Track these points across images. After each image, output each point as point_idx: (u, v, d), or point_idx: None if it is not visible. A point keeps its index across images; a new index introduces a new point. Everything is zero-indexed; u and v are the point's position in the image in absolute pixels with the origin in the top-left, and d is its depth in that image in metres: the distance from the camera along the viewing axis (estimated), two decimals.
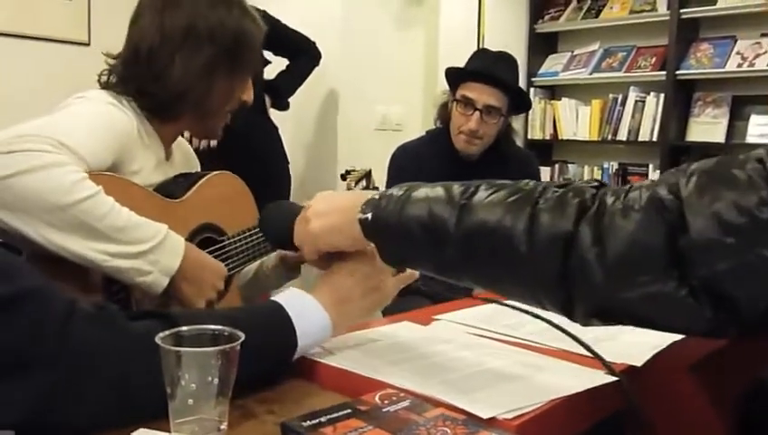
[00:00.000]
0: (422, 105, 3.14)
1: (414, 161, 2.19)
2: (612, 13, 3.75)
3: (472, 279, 0.79)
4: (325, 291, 0.91)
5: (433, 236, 0.78)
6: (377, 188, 1.82)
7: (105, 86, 1.28)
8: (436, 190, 0.81)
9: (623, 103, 3.67)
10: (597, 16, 3.80)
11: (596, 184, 0.73)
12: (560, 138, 3.91)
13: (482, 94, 2.09)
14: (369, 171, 1.77)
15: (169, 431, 0.68)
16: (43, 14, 3.15)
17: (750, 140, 3.32)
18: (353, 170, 1.72)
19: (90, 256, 1.00)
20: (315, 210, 0.92)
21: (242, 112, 1.42)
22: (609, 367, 0.85)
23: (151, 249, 1.04)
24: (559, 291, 0.70)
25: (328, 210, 0.92)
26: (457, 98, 2.12)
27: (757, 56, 3.29)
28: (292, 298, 0.89)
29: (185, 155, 1.51)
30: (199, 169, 1.58)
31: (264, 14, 2.81)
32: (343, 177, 1.72)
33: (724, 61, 3.36)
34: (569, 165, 3.94)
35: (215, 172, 1.39)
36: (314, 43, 2.89)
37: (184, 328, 0.71)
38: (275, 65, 2.84)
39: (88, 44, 3.28)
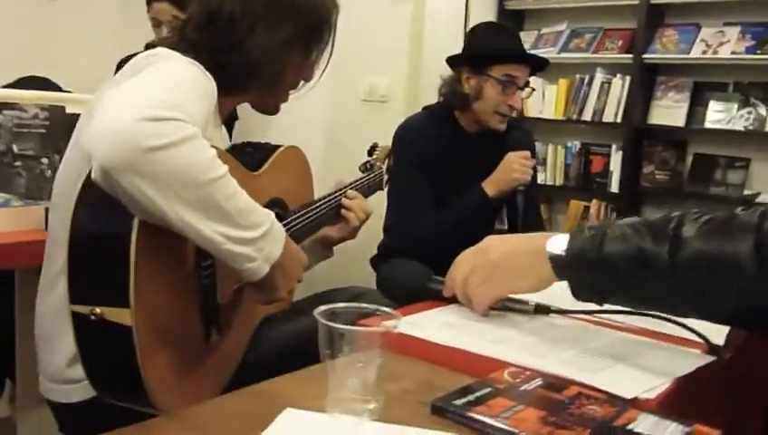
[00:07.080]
0: (406, 78, 3.11)
1: (420, 139, 2.19)
2: None
3: (690, 307, 0.82)
4: None
5: (641, 269, 0.81)
6: (391, 167, 1.92)
7: (172, 48, 1.17)
8: (637, 226, 0.83)
9: (589, 84, 3.74)
10: None
11: None
12: (526, 115, 3.96)
13: (523, 73, 2.18)
14: (391, 150, 1.92)
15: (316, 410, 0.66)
16: None
17: (708, 125, 3.45)
18: (378, 147, 1.88)
19: (212, 238, 0.94)
20: (500, 254, 0.94)
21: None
22: (709, 343, 0.87)
23: (262, 236, 1.00)
24: None
25: (514, 253, 0.93)
26: (498, 77, 2.14)
27: (720, 44, 3.42)
28: None
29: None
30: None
31: None
32: (369, 152, 1.85)
33: (688, 47, 3.47)
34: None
35: (286, 146, 1.37)
36: None
37: (339, 305, 0.69)
38: None
39: None
